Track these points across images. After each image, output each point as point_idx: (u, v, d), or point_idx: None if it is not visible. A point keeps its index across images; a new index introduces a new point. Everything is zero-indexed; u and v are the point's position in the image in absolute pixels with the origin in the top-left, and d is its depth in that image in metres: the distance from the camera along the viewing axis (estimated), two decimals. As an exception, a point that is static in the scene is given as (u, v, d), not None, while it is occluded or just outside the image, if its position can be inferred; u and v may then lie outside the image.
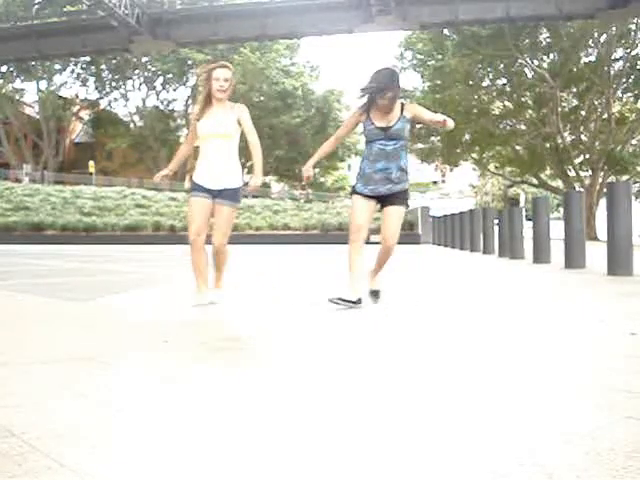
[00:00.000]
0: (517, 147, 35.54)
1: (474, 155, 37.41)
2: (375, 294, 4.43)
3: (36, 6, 39.21)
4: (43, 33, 31.34)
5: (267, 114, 41.86)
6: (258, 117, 42.33)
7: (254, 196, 38.37)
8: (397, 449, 1.45)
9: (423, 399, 1.91)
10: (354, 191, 4.34)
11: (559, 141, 32.92)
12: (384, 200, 4.26)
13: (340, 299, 4.07)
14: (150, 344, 2.86)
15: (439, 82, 33.89)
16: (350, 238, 4.23)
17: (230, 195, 4.24)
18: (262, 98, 41.55)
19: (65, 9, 36.24)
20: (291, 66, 43.22)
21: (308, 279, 7.26)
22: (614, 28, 29.54)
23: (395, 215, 4.26)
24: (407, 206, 4.34)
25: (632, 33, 30.33)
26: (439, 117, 4.18)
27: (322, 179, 48.45)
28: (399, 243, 4.34)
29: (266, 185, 49.85)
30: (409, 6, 26.79)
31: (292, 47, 42.61)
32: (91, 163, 40.80)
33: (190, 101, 45.21)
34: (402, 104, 4.22)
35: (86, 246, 21.47)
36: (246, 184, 4.59)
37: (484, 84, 34.84)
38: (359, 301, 4.11)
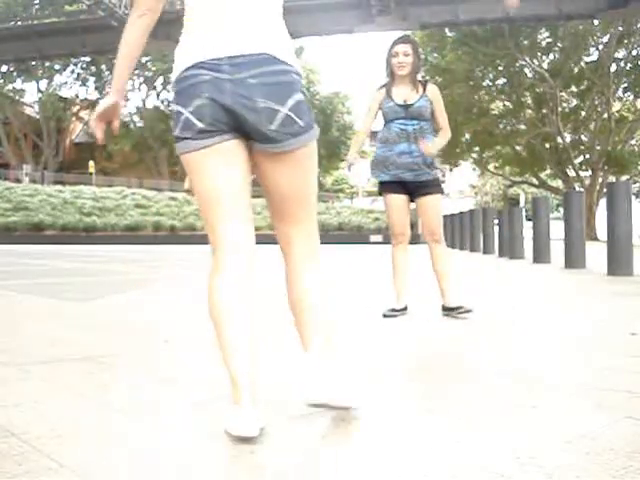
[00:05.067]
0: (517, 147, 35.55)
1: (474, 155, 37.42)
2: (455, 311, 3.80)
3: (36, 6, 39.22)
4: (43, 33, 31.35)
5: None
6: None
7: (254, 196, 38.37)
8: (395, 449, 1.45)
9: (421, 400, 1.91)
10: (381, 186, 3.92)
11: (559, 141, 32.94)
12: (415, 190, 3.83)
13: (393, 310, 3.82)
14: (150, 344, 2.86)
15: (439, 80, 33.90)
16: (394, 239, 3.92)
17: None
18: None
19: (65, 9, 36.25)
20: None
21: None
22: (614, 29, 29.55)
23: (433, 205, 3.83)
24: (442, 192, 3.89)
25: (632, 35, 30.34)
26: (443, 133, 3.83)
27: (322, 179, 48.43)
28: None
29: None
30: (409, 6, 26.78)
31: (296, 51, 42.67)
32: (91, 163, 40.78)
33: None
34: (425, 82, 3.84)
35: (86, 246, 21.47)
36: None
37: (484, 84, 34.85)
38: (405, 308, 3.86)
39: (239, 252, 1.62)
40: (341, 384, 1.63)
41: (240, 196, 1.61)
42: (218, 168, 1.58)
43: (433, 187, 3.83)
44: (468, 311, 3.78)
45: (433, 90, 3.82)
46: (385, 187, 3.90)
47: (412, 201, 3.93)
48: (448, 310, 3.85)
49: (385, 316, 3.78)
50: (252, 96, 1.54)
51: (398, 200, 3.86)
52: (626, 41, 30.32)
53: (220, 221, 1.62)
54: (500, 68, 33.65)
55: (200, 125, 1.56)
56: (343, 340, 2.99)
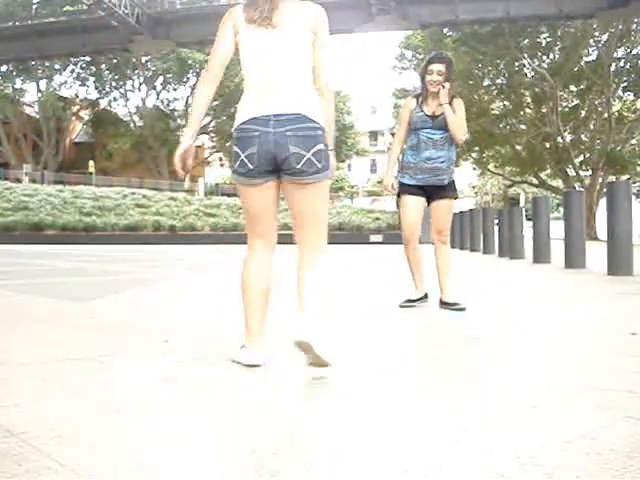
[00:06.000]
0: (517, 147, 35.53)
1: (474, 155, 37.41)
2: (450, 305, 4.13)
3: (36, 6, 39.19)
4: (43, 33, 31.34)
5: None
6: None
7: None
8: (395, 449, 1.45)
9: (421, 400, 1.91)
10: (402, 188, 4.24)
11: (559, 141, 32.93)
12: (432, 193, 4.20)
13: (409, 300, 4.17)
14: (150, 344, 2.86)
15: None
16: (404, 240, 4.23)
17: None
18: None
19: (65, 9, 36.24)
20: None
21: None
22: (614, 28, 29.55)
23: (447, 208, 4.24)
24: (456, 197, 4.29)
25: (632, 33, 30.34)
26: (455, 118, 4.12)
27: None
28: (400, 243, 4.35)
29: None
30: (409, 6, 26.77)
31: None
32: (91, 163, 40.75)
33: (190, 100, 45.23)
34: (453, 96, 4.16)
35: (86, 246, 21.47)
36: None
37: (484, 83, 34.82)
38: (426, 296, 4.23)
39: (267, 243, 2.45)
40: (323, 341, 2.12)
41: (269, 213, 2.42)
42: (257, 197, 2.36)
43: (451, 191, 4.22)
44: (462, 309, 4.07)
45: (458, 103, 4.15)
46: (406, 188, 4.22)
47: (428, 204, 4.27)
48: (444, 304, 4.17)
49: (402, 307, 4.12)
50: (287, 144, 2.22)
51: (415, 201, 4.20)
52: (625, 40, 30.32)
53: (256, 226, 2.43)
54: (500, 68, 33.63)
55: (250, 166, 2.28)
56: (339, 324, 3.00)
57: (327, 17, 2.38)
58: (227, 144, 46.30)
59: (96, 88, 45.89)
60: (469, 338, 3.06)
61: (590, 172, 33.25)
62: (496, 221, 14.63)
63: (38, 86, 44.07)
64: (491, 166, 40.02)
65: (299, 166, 2.24)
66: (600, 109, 32.52)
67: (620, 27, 29.35)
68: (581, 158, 34.13)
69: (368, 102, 61.80)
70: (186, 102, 45.62)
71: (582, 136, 33.89)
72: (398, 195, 4.27)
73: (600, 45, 31.24)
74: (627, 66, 31.35)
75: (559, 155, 33.37)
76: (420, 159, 4.11)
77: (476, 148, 36.56)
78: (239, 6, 2.35)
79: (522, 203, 48.12)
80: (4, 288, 5.72)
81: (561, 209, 12.68)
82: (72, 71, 44.96)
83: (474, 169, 43.33)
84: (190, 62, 41.64)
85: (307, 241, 2.36)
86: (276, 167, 2.28)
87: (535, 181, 38.01)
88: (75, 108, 46.61)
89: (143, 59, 43.15)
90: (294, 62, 2.31)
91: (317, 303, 2.22)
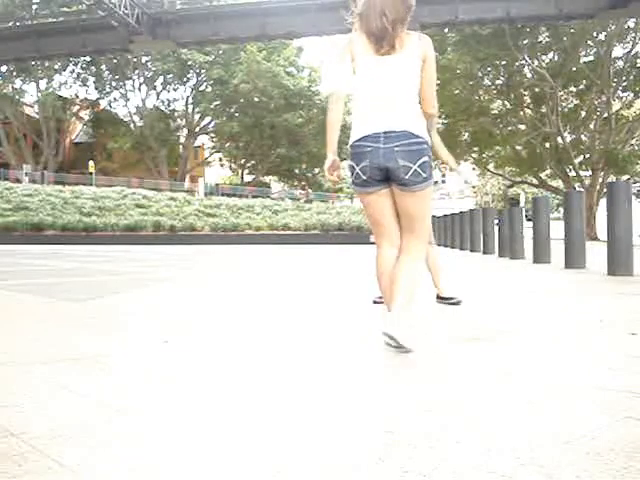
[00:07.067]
0: (517, 147, 35.52)
1: (474, 155, 37.41)
2: (447, 300, 4.45)
3: (35, 6, 39.20)
4: (43, 33, 31.37)
5: (269, 113, 41.88)
6: (261, 116, 42.36)
7: (254, 196, 38.39)
8: (394, 449, 1.45)
9: (420, 400, 1.91)
10: None
11: (559, 141, 32.92)
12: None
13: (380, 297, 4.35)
14: (150, 344, 2.86)
15: (439, 79, 33.84)
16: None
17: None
18: (264, 98, 41.61)
19: (65, 9, 36.26)
20: (291, 67, 43.39)
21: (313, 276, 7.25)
22: (613, 27, 29.55)
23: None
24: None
25: (631, 32, 30.34)
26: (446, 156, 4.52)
27: (322, 179, 48.47)
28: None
29: (266, 185, 49.85)
30: (409, 6, 26.75)
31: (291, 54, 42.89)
32: (91, 163, 40.78)
33: (190, 101, 45.24)
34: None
35: (86, 246, 21.47)
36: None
37: (484, 83, 34.81)
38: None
39: (391, 242, 2.76)
40: (405, 329, 2.52)
41: (388, 216, 2.73)
42: (374, 203, 2.72)
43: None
44: (455, 303, 4.38)
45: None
46: None
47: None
48: (440, 299, 4.49)
49: (375, 302, 4.22)
50: (396, 158, 2.56)
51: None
52: (623, 38, 30.31)
53: (379, 228, 2.77)
54: (500, 68, 33.62)
55: (364, 177, 2.65)
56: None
57: (327, 16, 2.60)
58: (227, 145, 46.37)
59: (96, 88, 45.93)
60: (469, 338, 3.06)
61: (590, 172, 33.25)
62: (496, 221, 14.63)
63: (38, 86, 44.08)
64: (491, 166, 40.01)
65: (407, 177, 2.57)
66: (600, 109, 32.52)
67: (614, 26, 29.32)
68: (581, 158, 34.13)
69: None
70: (186, 102, 45.64)
71: (582, 136, 33.89)
72: None
73: (599, 44, 31.22)
74: (626, 66, 31.36)
75: (559, 155, 33.37)
76: None
77: (476, 148, 36.56)
78: (356, 34, 2.66)
79: (522, 203, 48.12)
80: (4, 288, 5.72)
81: (561, 209, 12.69)
82: (72, 71, 45.02)
83: (474, 169, 43.32)
84: (190, 63, 41.67)
85: (410, 243, 2.71)
86: (386, 177, 2.62)
87: (535, 181, 38.01)
88: (75, 108, 46.64)
89: (143, 59, 43.20)
90: (403, 85, 2.63)
91: (405, 296, 2.59)
